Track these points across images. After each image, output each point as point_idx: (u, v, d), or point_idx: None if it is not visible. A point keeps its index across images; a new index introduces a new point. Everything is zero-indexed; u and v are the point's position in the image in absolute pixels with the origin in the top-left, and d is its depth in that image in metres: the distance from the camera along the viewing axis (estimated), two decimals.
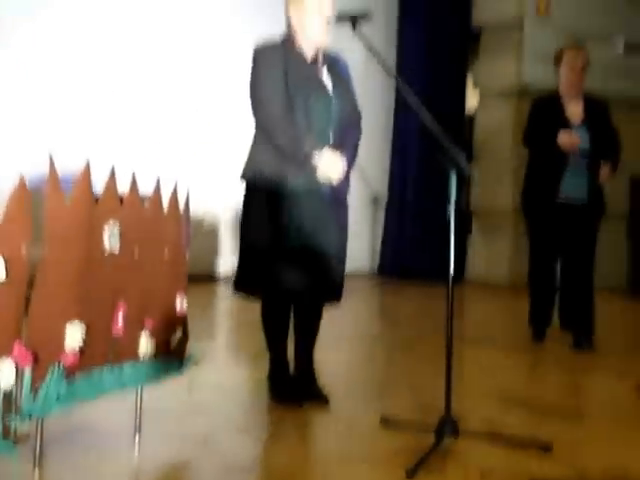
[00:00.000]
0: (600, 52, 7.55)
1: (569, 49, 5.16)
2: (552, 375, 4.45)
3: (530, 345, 5.11)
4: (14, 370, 2.28)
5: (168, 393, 3.36)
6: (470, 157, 8.23)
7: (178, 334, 3.16)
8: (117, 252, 2.69)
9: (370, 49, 3.20)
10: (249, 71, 3.49)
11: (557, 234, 5.02)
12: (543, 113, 5.03)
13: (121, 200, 2.75)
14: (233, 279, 3.58)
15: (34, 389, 2.37)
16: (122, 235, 2.71)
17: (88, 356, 2.56)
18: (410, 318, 6.14)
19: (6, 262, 2.24)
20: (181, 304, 3.19)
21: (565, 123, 4.91)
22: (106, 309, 2.69)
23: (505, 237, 7.87)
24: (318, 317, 3.67)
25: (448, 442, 2.94)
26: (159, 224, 2.99)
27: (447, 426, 2.98)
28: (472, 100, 8.43)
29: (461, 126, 8.16)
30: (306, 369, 3.65)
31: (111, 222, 2.66)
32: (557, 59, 5.15)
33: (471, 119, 8.45)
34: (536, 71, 7.81)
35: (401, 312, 6.39)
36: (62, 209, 2.44)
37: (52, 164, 2.40)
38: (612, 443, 3.15)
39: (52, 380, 2.43)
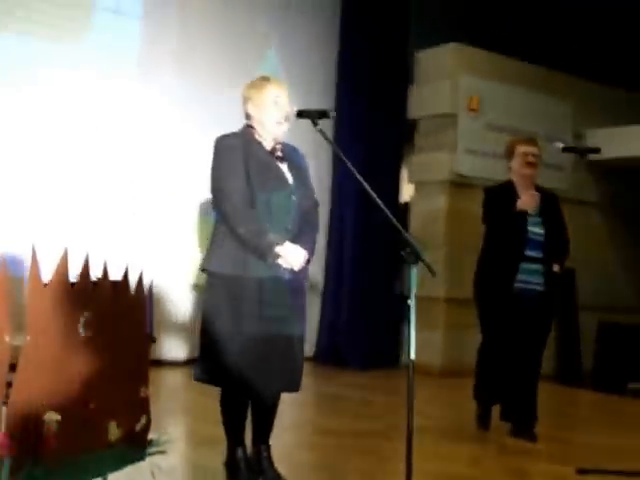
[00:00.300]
0: None
1: (522, 142, 5.19)
2: (496, 461, 4.53)
3: (473, 431, 5.15)
4: None
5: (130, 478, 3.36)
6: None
7: (142, 421, 3.19)
8: (90, 340, 2.74)
9: (331, 145, 3.39)
10: (211, 161, 3.61)
11: (511, 323, 4.95)
12: (499, 200, 5.05)
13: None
14: (195, 367, 3.62)
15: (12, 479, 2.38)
16: (95, 323, 2.76)
17: (63, 445, 2.58)
18: (350, 406, 6.18)
19: None
20: (144, 391, 3.23)
21: (520, 212, 4.92)
22: (80, 397, 2.72)
23: (438, 325, 8.05)
24: (275, 406, 3.74)
25: None
26: (126, 312, 3.05)
27: None
28: (407, 190, 8.69)
29: (396, 215, 8.37)
30: (263, 455, 3.69)
31: (85, 311, 2.71)
32: (509, 152, 5.16)
33: (405, 209, 8.70)
34: (469, 163, 8.14)
35: (341, 400, 6.43)
36: (43, 297, 2.49)
37: (34, 254, 2.46)
38: None
39: (30, 470, 2.44)
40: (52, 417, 2.52)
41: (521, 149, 5.07)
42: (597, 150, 4.68)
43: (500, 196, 5.06)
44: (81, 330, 2.70)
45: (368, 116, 8.08)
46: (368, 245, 8.10)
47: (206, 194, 7.23)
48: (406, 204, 8.76)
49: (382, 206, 3.35)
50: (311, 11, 8.18)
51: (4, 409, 2.34)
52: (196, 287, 7.31)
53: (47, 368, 2.51)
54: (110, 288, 2.90)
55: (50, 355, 2.52)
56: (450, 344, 7.92)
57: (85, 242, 6.16)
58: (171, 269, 7.21)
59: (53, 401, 2.54)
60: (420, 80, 8.54)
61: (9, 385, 2.38)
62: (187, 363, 6.99)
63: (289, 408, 5.60)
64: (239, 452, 3.67)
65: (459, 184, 8.15)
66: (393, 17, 8.37)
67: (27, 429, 2.44)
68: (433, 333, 7.97)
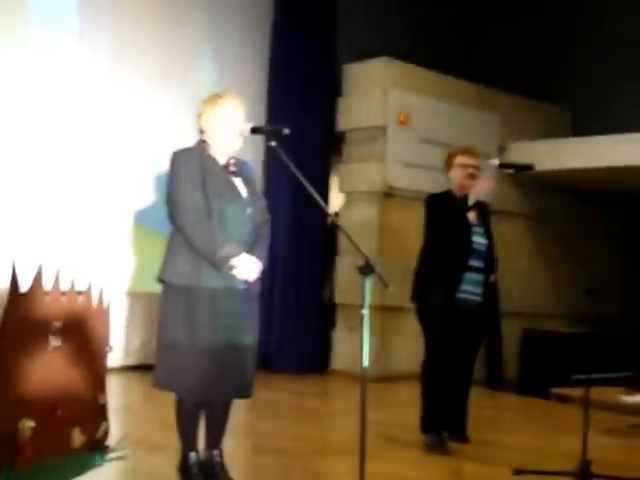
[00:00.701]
0: None
1: (461, 153, 5.14)
2: (434, 463, 4.66)
3: (409, 435, 5.19)
4: None
5: None
6: (334, 253, 8.60)
7: (102, 427, 3.26)
8: (59, 348, 2.81)
9: (286, 162, 3.52)
10: (167, 174, 3.70)
11: (454, 334, 4.92)
12: (443, 208, 5.01)
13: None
14: (153, 374, 3.69)
15: None
16: (64, 332, 2.84)
17: (36, 451, 2.65)
18: (286, 410, 6.30)
19: None
20: (103, 397, 3.30)
21: (465, 221, 4.94)
22: (49, 404, 2.79)
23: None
24: (228, 412, 3.85)
25: None
26: (89, 322, 3.12)
27: None
28: (336, 200, 8.86)
29: (326, 224, 8.57)
30: (216, 459, 3.79)
31: (55, 320, 2.78)
32: (448, 162, 5.14)
33: (335, 218, 8.86)
34: (398, 175, 8.35)
35: (276, 405, 6.53)
36: (21, 309, 2.56)
37: (14, 271, 2.53)
38: None
39: (7, 474, 2.50)
40: (26, 424, 2.58)
41: (461, 160, 5.07)
42: (531, 167, 4.88)
43: (442, 204, 5.03)
44: (51, 339, 2.76)
45: (298, 127, 8.21)
46: (298, 253, 8.24)
47: (140, 201, 7.38)
48: (336, 214, 8.93)
49: (334, 219, 3.46)
50: (244, 22, 8.27)
51: None
52: (130, 294, 7.34)
53: (22, 376, 2.58)
54: (76, 299, 2.97)
55: (25, 362, 2.59)
56: (377, 350, 8.07)
57: (15, 248, 6.23)
58: (105, 276, 7.20)
59: (27, 408, 2.60)
60: (349, 93, 8.72)
61: None
62: (121, 370, 6.99)
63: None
64: (192, 457, 3.75)
65: (389, 195, 8.37)
66: (322, 31, 8.55)
67: (4, 435, 2.50)
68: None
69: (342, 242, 8.55)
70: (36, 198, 6.77)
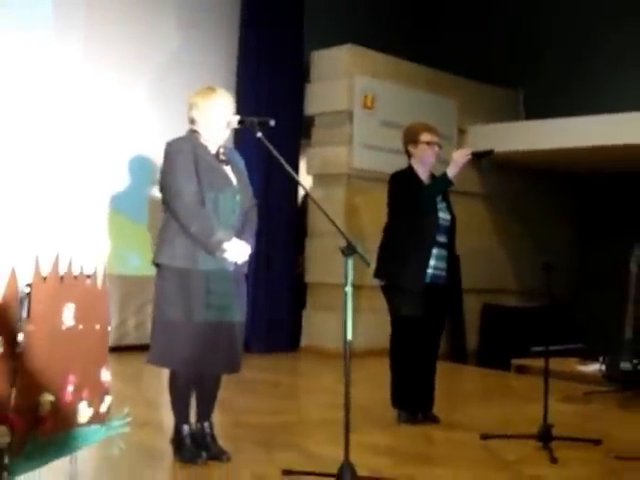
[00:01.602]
0: None
1: (425, 130, 5.14)
2: (406, 430, 4.96)
3: (381, 406, 5.38)
4: (9, 434, 2.60)
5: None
6: (304, 234, 8.89)
7: (106, 401, 3.50)
8: (73, 328, 3.05)
9: (270, 151, 3.79)
10: (163, 162, 3.94)
11: (421, 309, 4.98)
12: (408, 183, 5.05)
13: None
14: (149, 351, 3.96)
15: (18, 453, 2.68)
16: (76, 313, 3.07)
17: (53, 424, 2.89)
18: (263, 388, 6.56)
19: (3, 337, 2.58)
20: (107, 373, 3.54)
21: (432, 198, 5.00)
22: (63, 380, 3.03)
23: (338, 309, 8.51)
24: (218, 386, 4.14)
25: None
26: (96, 302, 3.36)
27: (346, 472, 3.50)
28: (305, 182, 9.11)
29: (295, 206, 8.86)
30: (207, 431, 4.07)
31: (69, 302, 3.02)
32: (411, 137, 5.15)
33: (304, 200, 9.14)
34: (364, 158, 8.67)
35: (252, 382, 6.76)
36: (43, 292, 2.80)
37: (37, 262, 2.78)
38: (474, 479, 3.82)
39: (30, 445, 2.75)
40: (47, 398, 2.83)
41: (427, 137, 5.10)
42: (492, 152, 5.03)
43: (407, 181, 5.07)
44: (65, 319, 3.00)
45: (267, 112, 8.42)
46: (269, 234, 8.48)
47: (116, 188, 7.55)
48: (305, 196, 9.19)
49: (318, 205, 3.74)
50: (213, 10, 8.46)
51: (14, 391, 2.64)
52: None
53: (44, 354, 2.82)
54: (85, 282, 3.21)
55: (47, 342, 2.83)
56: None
57: None
58: (83, 262, 7.37)
59: (45, 383, 2.84)
60: (316, 78, 9.01)
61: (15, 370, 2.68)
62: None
63: None
64: (185, 429, 4.02)
65: (356, 177, 8.66)
66: (289, 19, 8.79)
67: (29, 409, 2.74)
68: (333, 316, 8.43)
69: (312, 223, 8.84)
70: (12, 188, 6.92)
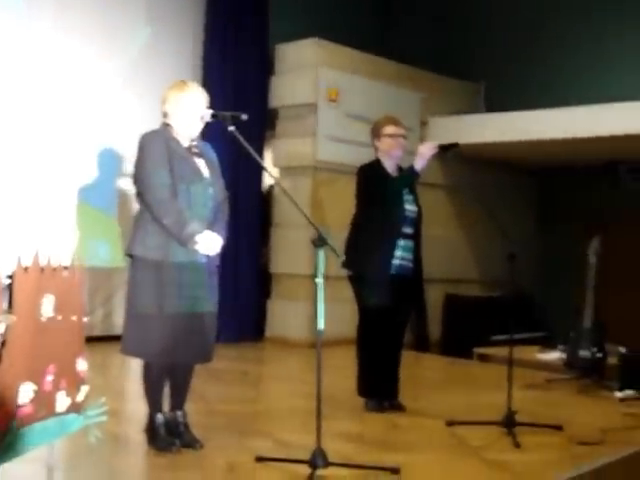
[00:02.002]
0: None
1: (389, 122, 5.26)
2: (373, 419, 5.06)
3: (348, 395, 5.45)
4: None
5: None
6: (269, 225, 8.97)
7: (82, 391, 3.56)
8: (52, 318, 3.11)
9: (242, 145, 3.87)
10: (136, 155, 3.99)
11: (387, 300, 5.06)
12: (375, 176, 5.14)
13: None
14: (122, 342, 4.02)
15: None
16: (55, 304, 3.13)
17: (34, 413, 2.95)
18: (232, 376, 6.62)
19: None
20: (83, 363, 3.60)
21: (398, 190, 5.08)
22: (42, 371, 3.08)
23: (302, 299, 8.62)
24: (191, 376, 4.22)
25: (321, 471, 3.57)
26: (73, 293, 3.41)
27: (319, 457, 3.61)
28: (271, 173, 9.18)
29: (260, 197, 8.94)
30: (180, 420, 4.14)
31: (48, 293, 3.08)
32: (376, 132, 5.26)
33: (269, 191, 9.22)
34: (329, 150, 8.76)
35: (220, 371, 6.82)
36: (24, 284, 2.85)
37: (20, 254, 2.83)
38: (442, 464, 3.98)
39: (13, 433, 2.81)
40: (29, 387, 2.88)
41: (390, 130, 5.20)
42: (457, 145, 5.13)
43: (374, 173, 5.15)
44: (45, 310, 3.06)
45: (233, 104, 8.49)
46: (234, 225, 8.50)
47: (84, 179, 7.56)
48: (270, 187, 9.27)
49: (291, 197, 3.83)
50: (180, 2, 8.49)
51: None
52: None
53: (25, 344, 2.88)
54: (63, 274, 3.27)
55: (28, 333, 2.89)
56: (314, 316, 8.41)
57: None
58: (51, 253, 7.37)
59: (27, 373, 2.90)
60: (281, 72, 9.08)
61: None
62: None
63: None
64: (159, 418, 4.08)
65: (320, 169, 8.75)
66: (255, 13, 8.84)
67: (10, 398, 2.80)
68: (297, 306, 8.53)
69: (276, 214, 8.92)
70: None
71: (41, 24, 7.33)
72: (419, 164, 5.07)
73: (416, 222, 5.23)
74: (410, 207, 5.19)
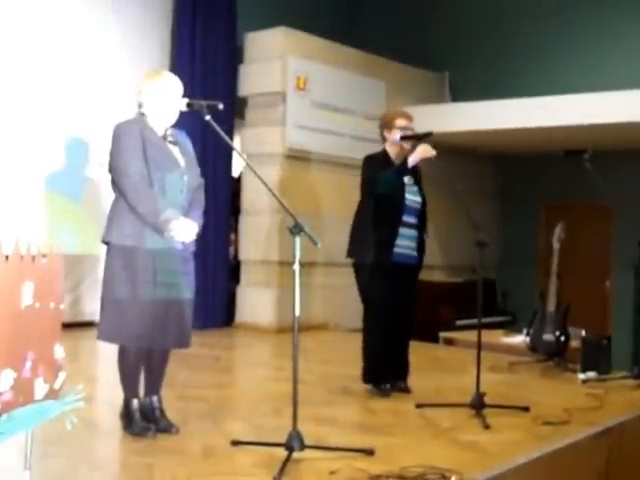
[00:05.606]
0: (347, 122, 8.83)
1: (401, 116, 5.37)
2: (347, 403, 5.17)
3: (321, 379, 5.68)
4: None
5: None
6: (237, 212, 9.02)
7: (60, 378, 3.60)
8: (31, 306, 3.14)
9: (218, 134, 3.92)
10: (111, 144, 4.02)
11: (393, 288, 5.17)
12: (378, 166, 5.22)
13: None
14: (98, 328, 4.06)
15: None
16: (35, 291, 3.16)
17: (14, 400, 2.99)
18: (203, 362, 6.66)
19: None
20: (60, 350, 3.64)
21: (400, 180, 5.20)
22: (21, 358, 3.11)
23: (271, 285, 8.70)
24: (166, 361, 4.27)
25: (297, 453, 3.65)
26: (51, 280, 3.44)
27: (295, 440, 3.69)
28: (240, 162, 9.23)
29: (230, 185, 8.98)
30: (155, 405, 4.20)
31: (28, 280, 3.11)
32: (387, 123, 5.35)
33: (238, 179, 9.26)
34: (298, 138, 8.81)
35: (192, 357, 6.86)
36: (4, 271, 2.88)
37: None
38: (414, 446, 4.06)
39: None
40: (9, 374, 2.92)
41: (401, 123, 5.31)
42: (431, 134, 5.20)
43: (378, 163, 5.25)
44: (24, 298, 3.09)
45: (202, 92, 8.52)
46: (204, 211, 8.56)
47: (53, 167, 7.54)
48: (239, 175, 9.31)
49: (269, 188, 3.90)
50: None
51: None
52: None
53: (6, 332, 2.91)
54: (41, 261, 3.30)
55: (8, 320, 2.93)
56: (283, 303, 8.51)
57: None
58: (17, 239, 7.35)
59: (7, 360, 2.94)
60: (250, 60, 9.11)
61: None
62: None
63: None
64: (135, 403, 4.14)
65: (289, 156, 8.81)
66: (223, 0, 8.88)
67: None
68: (267, 293, 8.60)
69: (246, 201, 8.97)
70: None
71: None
72: (412, 161, 5.16)
73: (420, 213, 5.35)
74: (414, 197, 5.31)
